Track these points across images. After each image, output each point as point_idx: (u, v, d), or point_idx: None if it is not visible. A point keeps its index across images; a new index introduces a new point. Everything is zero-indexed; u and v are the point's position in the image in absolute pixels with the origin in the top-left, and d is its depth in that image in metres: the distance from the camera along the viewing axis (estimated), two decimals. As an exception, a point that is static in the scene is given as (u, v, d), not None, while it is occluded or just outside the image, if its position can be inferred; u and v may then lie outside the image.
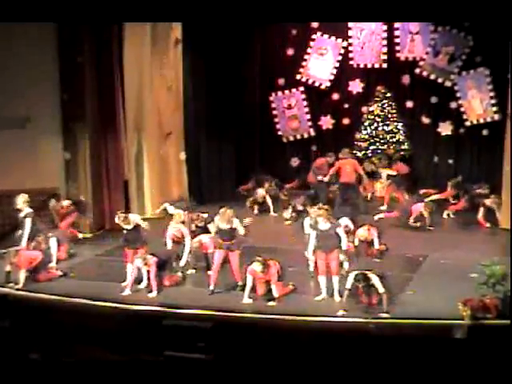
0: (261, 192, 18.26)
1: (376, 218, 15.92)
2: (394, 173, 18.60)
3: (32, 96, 15.18)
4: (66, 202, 15.56)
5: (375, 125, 19.62)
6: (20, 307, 11.32)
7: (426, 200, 16.67)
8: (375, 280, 10.70)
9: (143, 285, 12.22)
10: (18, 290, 12.24)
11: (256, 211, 18.02)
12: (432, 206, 16.24)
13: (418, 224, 15.92)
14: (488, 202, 16.15)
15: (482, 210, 16.19)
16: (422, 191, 17.93)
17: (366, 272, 10.81)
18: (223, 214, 12.02)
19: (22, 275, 12.39)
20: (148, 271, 12.01)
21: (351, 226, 13.66)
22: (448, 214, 17.23)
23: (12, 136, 15.00)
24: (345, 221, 13.53)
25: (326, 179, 17.91)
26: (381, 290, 10.69)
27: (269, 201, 18.22)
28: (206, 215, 14.34)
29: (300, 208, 16.89)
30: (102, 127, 16.38)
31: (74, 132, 15.98)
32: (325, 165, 18.24)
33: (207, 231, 13.72)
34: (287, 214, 17.07)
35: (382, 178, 19.02)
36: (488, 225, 15.97)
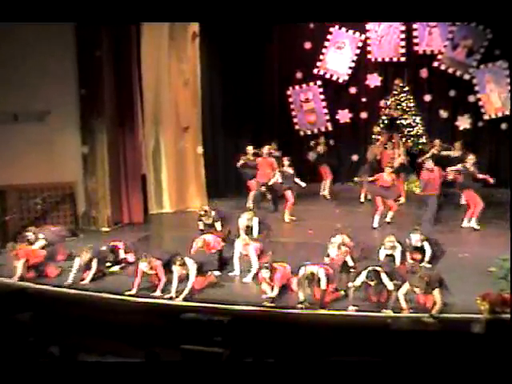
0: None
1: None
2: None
3: (50, 90, 15.21)
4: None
5: (393, 118, 19.53)
6: (38, 301, 11.39)
7: None
8: (384, 278, 10.63)
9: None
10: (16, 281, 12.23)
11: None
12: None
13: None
14: None
15: None
16: None
17: (378, 269, 10.73)
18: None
19: (20, 266, 12.34)
20: (156, 274, 11.67)
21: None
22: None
23: (30, 130, 15.04)
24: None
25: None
26: (390, 287, 10.61)
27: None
28: (213, 213, 14.12)
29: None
30: (119, 121, 16.44)
31: (91, 126, 15.99)
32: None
33: (214, 229, 13.78)
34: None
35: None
36: None
